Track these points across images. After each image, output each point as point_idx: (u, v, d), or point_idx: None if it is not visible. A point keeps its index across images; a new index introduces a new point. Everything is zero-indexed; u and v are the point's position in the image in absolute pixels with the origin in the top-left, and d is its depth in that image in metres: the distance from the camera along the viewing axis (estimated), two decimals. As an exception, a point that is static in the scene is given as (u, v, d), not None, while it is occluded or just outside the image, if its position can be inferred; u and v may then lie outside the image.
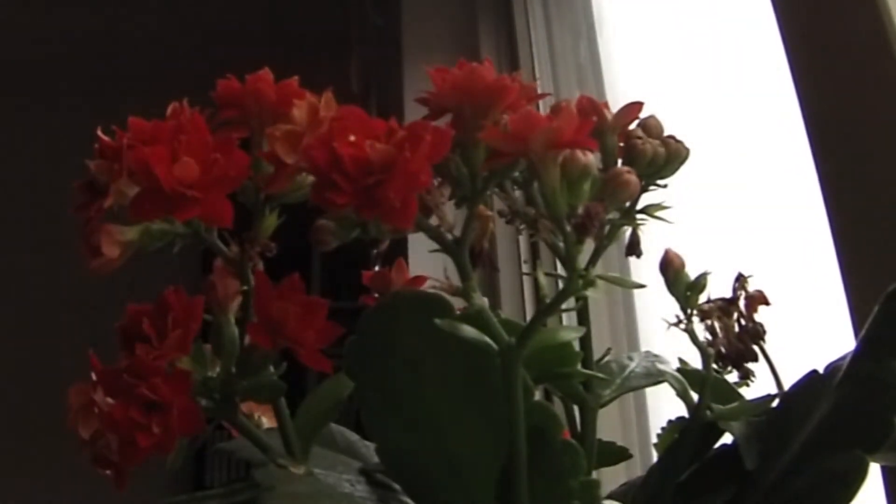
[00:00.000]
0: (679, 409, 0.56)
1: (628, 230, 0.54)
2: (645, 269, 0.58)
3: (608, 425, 0.90)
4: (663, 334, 0.55)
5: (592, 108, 0.52)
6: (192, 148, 0.43)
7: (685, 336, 0.54)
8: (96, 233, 0.45)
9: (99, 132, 0.47)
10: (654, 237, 0.55)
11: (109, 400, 0.43)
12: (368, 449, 0.55)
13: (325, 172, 0.41)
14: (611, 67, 1.32)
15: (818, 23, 0.73)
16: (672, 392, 0.56)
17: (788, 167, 0.83)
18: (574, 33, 1.45)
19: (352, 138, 0.42)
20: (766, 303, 0.51)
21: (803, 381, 0.52)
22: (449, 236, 0.46)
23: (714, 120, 1.02)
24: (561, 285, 0.48)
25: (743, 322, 0.51)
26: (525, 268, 1.29)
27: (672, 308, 0.54)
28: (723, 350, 0.50)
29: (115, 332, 0.46)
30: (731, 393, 0.54)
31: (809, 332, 0.77)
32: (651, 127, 0.53)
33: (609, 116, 0.53)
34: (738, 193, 0.98)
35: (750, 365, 0.53)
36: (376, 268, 0.58)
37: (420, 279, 0.56)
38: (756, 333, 0.51)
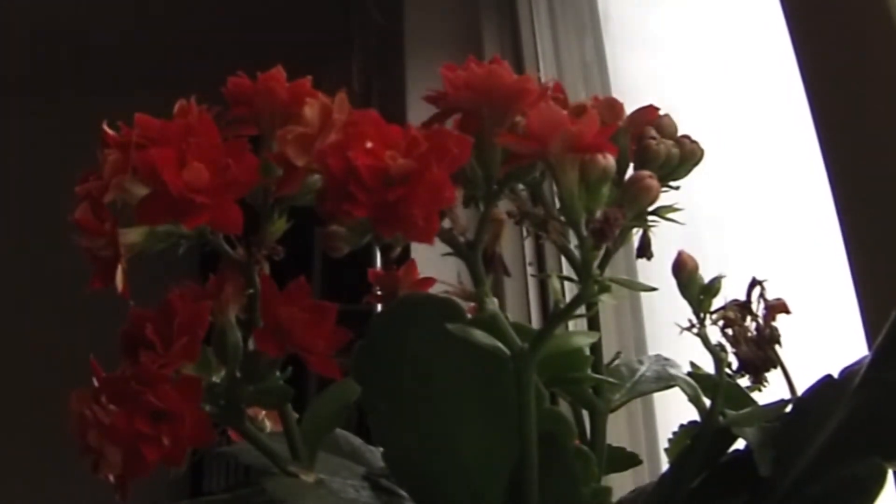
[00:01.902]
0: (688, 414, 0.56)
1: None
2: (653, 271, 0.58)
3: (615, 431, 0.89)
4: (670, 337, 0.54)
5: (612, 109, 0.51)
6: (201, 151, 0.42)
7: (687, 339, 0.53)
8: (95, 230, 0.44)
9: (104, 126, 0.46)
10: (663, 239, 0.54)
11: (113, 408, 0.42)
12: (373, 454, 0.55)
13: (341, 182, 0.40)
14: (616, 65, 1.31)
15: (827, 19, 0.72)
16: (681, 396, 0.55)
17: (799, 168, 0.82)
18: (579, 30, 1.44)
19: (369, 145, 0.40)
20: (787, 311, 0.50)
21: (817, 386, 0.51)
22: (461, 239, 0.45)
23: (722, 118, 1.01)
24: (568, 288, 0.47)
25: (759, 328, 0.50)
26: (530, 270, 1.28)
27: (678, 310, 0.54)
28: (742, 357, 0.49)
29: (118, 336, 0.45)
30: (743, 398, 0.53)
31: (819, 335, 0.76)
32: (665, 127, 0.52)
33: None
34: (746, 195, 0.97)
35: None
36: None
37: (428, 281, 0.55)
38: (773, 339, 0.50)
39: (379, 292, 0.57)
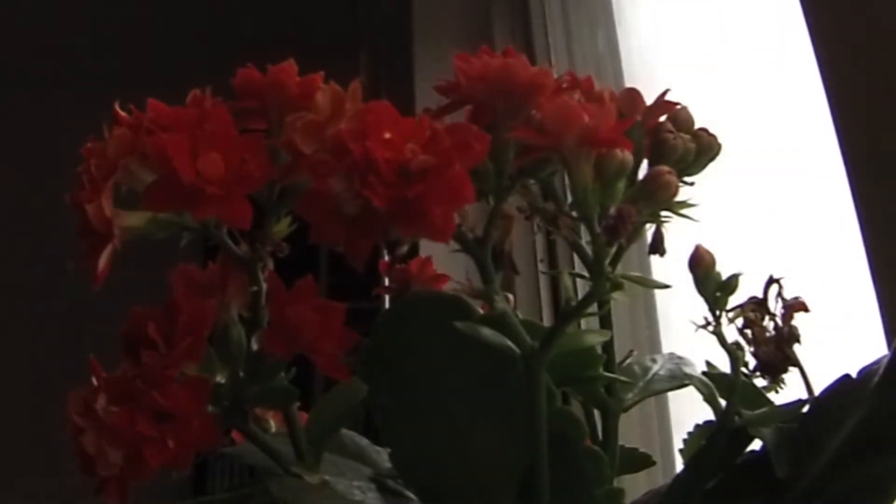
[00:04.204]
0: (703, 414, 0.54)
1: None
2: (666, 268, 0.56)
3: (629, 430, 0.88)
4: (683, 335, 0.53)
5: (632, 102, 0.49)
6: (215, 141, 0.41)
7: (699, 338, 0.52)
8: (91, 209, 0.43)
9: (117, 107, 0.45)
10: (675, 235, 0.53)
11: (114, 409, 0.40)
12: (380, 454, 0.54)
13: (361, 169, 0.39)
14: (630, 58, 1.29)
15: (845, 18, 0.71)
16: (695, 396, 0.54)
17: (816, 163, 0.81)
18: (592, 23, 1.42)
19: (387, 136, 0.39)
20: (806, 310, 0.49)
21: (835, 385, 0.50)
22: (470, 235, 0.43)
23: (737, 112, 0.99)
24: (581, 286, 0.46)
25: (778, 327, 0.49)
26: (541, 267, 1.27)
27: (690, 307, 0.52)
28: (761, 357, 0.48)
29: (119, 335, 0.44)
30: (759, 398, 0.52)
31: (837, 334, 0.75)
32: (682, 120, 0.50)
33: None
34: (761, 190, 0.96)
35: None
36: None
37: (442, 278, 0.54)
38: (791, 338, 0.49)
39: (389, 286, 0.56)
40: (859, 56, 0.68)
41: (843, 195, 0.68)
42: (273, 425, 0.55)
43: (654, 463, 0.58)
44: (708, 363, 0.54)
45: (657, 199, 0.44)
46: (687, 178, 0.51)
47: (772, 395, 0.53)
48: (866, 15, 0.68)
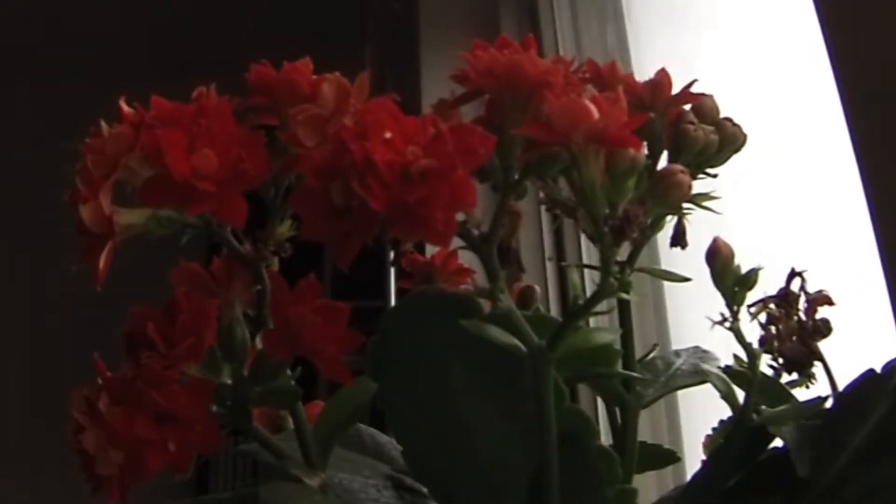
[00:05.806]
0: (721, 411, 0.53)
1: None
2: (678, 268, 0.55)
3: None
4: (694, 332, 0.52)
5: (654, 91, 0.47)
6: (213, 137, 0.40)
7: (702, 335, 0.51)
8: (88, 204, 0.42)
9: (122, 102, 0.44)
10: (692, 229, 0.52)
11: (115, 410, 0.39)
12: (399, 451, 0.53)
13: (360, 170, 0.37)
14: (639, 53, 1.28)
15: (858, 8, 0.70)
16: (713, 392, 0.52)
17: (828, 159, 0.80)
18: (601, 17, 1.41)
19: (387, 136, 0.38)
20: (830, 303, 0.48)
21: (859, 380, 0.49)
22: (475, 232, 0.42)
23: (748, 108, 0.98)
24: (589, 284, 0.45)
25: (802, 322, 0.48)
26: (549, 265, 1.25)
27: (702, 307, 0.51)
28: (786, 353, 0.47)
29: (121, 336, 0.43)
30: (782, 394, 0.51)
31: (853, 329, 0.74)
32: (706, 109, 0.48)
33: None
34: (773, 186, 0.95)
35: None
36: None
37: (466, 271, 0.53)
38: (816, 332, 0.47)
39: (413, 280, 0.55)
40: (874, 52, 0.67)
41: (857, 189, 0.66)
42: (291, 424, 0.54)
43: (678, 459, 0.56)
44: (736, 357, 0.52)
45: (668, 199, 0.43)
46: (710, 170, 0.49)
47: (798, 391, 0.52)
48: (879, 5, 0.67)
